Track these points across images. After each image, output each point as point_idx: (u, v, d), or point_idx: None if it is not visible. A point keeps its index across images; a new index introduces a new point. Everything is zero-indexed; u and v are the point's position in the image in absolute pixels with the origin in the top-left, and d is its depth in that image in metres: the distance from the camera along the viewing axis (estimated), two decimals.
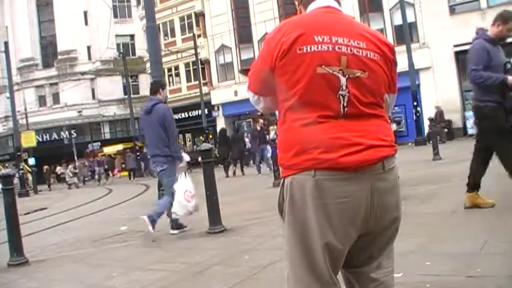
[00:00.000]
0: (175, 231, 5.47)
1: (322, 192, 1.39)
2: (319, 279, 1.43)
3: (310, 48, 1.42)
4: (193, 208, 5.15)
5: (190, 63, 29.64)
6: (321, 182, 1.39)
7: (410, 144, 18.84)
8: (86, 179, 28.52)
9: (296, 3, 1.66)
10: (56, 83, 39.13)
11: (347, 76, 1.42)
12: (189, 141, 29.62)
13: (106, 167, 27.22)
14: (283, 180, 1.49)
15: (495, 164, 4.32)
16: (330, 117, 1.41)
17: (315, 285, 1.43)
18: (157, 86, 5.65)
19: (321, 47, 1.42)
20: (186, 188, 5.09)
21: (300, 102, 1.43)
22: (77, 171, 27.15)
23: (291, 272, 1.48)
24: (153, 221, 5.23)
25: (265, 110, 1.67)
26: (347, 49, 1.44)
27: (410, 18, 20.73)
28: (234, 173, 15.60)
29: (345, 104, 1.42)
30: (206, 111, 26.89)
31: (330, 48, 1.42)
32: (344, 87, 1.42)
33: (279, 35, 1.46)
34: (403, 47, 19.12)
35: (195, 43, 26.60)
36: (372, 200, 1.43)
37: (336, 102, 1.42)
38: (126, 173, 26.80)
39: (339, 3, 1.59)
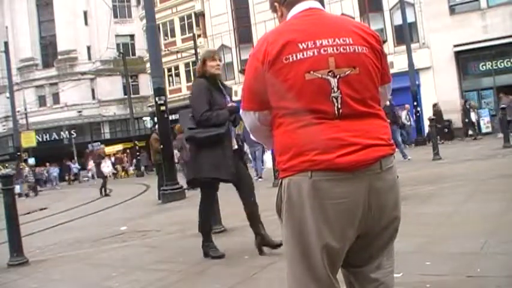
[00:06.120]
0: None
1: (319, 193, 1.39)
2: (317, 280, 1.42)
3: (296, 57, 1.41)
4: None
5: (190, 63, 29.57)
6: (317, 182, 1.38)
7: (410, 144, 18.85)
8: None
9: (276, 4, 1.62)
10: (56, 83, 39.09)
11: (338, 76, 1.41)
12: None
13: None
14: (281, 181, 1.49)
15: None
16: (325, 118, 1.40)
17: (313, 286, 1.43)
18: None
19: (307, 53, 1.41)
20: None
21: (293, 110, 1.42)
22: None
23: (289, 272, 1.48)
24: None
25: (264, 135, 1.60)
26: (333, 49, 1.42)
27: (410, 18, 20.68)
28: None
29: (339, 106, 1.41)
30: None
31: (316, 53, 1.41)
32: (336, 89, 1.41)
33: (264, 47, 1.45)
34: (403, 47, 19.08)
35: (195, 43, 26.56)
36: (369, 200, 1.42)
37: (329, 105, 1.41)
38: None
39: (322, 3, 1.57)
